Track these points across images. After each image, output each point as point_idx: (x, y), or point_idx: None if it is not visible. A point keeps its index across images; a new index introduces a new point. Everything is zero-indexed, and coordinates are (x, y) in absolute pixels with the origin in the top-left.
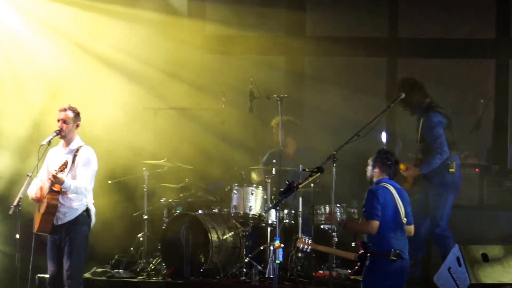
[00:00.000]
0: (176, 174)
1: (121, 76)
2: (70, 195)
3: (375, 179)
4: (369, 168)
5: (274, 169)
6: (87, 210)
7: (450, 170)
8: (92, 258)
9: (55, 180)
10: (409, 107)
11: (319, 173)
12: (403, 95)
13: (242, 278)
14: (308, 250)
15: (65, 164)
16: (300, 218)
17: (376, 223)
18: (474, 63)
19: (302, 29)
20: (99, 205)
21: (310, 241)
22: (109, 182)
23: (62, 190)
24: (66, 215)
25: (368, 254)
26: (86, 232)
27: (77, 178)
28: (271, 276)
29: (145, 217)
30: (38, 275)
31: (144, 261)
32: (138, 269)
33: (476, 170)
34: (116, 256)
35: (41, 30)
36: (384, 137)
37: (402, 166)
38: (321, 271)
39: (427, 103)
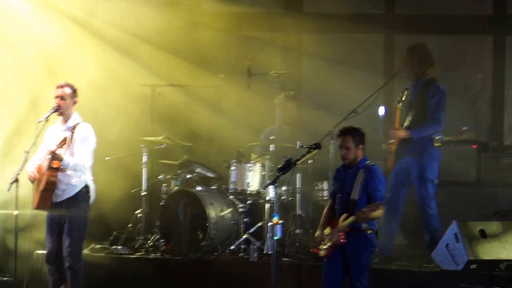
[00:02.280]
0: (174, 151)
1: (119, 53)
2: (68, 172)
3: (359, 158)
4: (351, 148)
5: (272, 146)
6: (86, 187)
7: (436, 144)
8: (91, 234)
9: (54, 157)
10: (416, 71)
11: (317, 150)
12: (399, 73)
13: (240, 255)
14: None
15: (64, 140)
16: (298, 195)
17: None
18: (471, 39)
19: (299, 5)
20: (97, 182)
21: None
22: (107, 159)
23: (61, 167)
24: (65, 192)
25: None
26: (85, 209)
27: (76, 155)
28: (269, 253)
29: (144, 193)
30: (37, 251)
31: (143, 237)
32: (136, 246)
33: (474, 146)
34: (115, 233)
35: (39, 7)
36: (382, 111)
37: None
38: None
39: (432, 73)
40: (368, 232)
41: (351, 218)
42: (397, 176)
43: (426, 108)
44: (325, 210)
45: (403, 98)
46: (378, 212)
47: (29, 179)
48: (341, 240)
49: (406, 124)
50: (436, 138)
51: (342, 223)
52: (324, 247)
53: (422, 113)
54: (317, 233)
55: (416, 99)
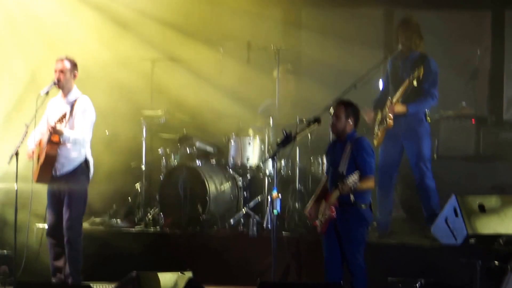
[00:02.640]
0: (174, 125)
1: (118, 26)
2: (68, 146)
3: (348, 131)
4: (341, 118)
5: (271, 119)
6: (86, 161)
7: (428, 119)
8: (90, 208)
9: (54, 132)
10: (408, 45)
11: (316, 124)
12: (400, 47)
13: (239, 228)
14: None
15: (64, 115)
16: (297, 169)
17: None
18: (470, 14)
19: None
20: (97, 155)
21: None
22: (106, 132)
23: (61, 141)
24: (65, 166)
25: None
26: (85, 182)
27: (75, 129)
28: (269, 227)
29: (143, 167)
30: (37, 224)
31: (142, 211)
32: (136, 220)
33: (472, 121)
34: (114, 206)
35: None
36: (381, 84)
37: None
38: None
39: (422, 48)
40: (362, 206)
41: (337, 191)
42: (388, 151)
43: (419, 83)
44: (320, 185)
45: (420, 77)
46: (367, 184)
47: (28, 156)
48: (332, 214)
49: (399, 99)
50: (427, 112)
51: (331, 197)
52: (319, 222)
53: (415, 88)
54: (308, 206)
55: (408, 74)
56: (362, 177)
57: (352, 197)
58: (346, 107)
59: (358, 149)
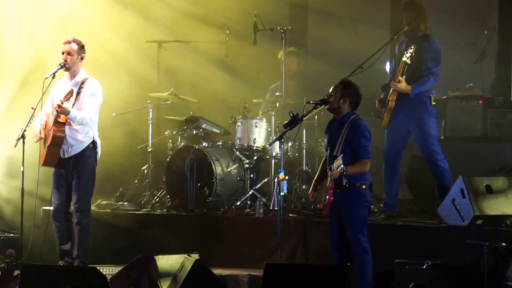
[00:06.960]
0: (181, 106)
1: (124, 8)
2: (76, 127)
3: (345, 112)
4: (336, 96)
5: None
6: (93, 143)
7: (433, 103)
8: (97, 190)
9: (61, 110)
10: (412, 26)
11: (323, 105)
12: (406, 28)
13: (246, 211)
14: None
15: (70, 93)
16: (304, 150)
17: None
18: None
19: None
20: (104, 137)
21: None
22: (114, 115)
23: (68, 120)
24: (73, 148)
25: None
26: (93, 164)
27: (83, 110)
28: (276, 208)
29: (150, 149)
30: (43, 207)
31: (149, 193)
32: (142, 202)
33: (480, 102)
34: (121, 189)
35: None
36: (388, 68)
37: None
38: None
39: (425, 28)
40: (363, 187)
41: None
42: (394, 133)
43: (421, 63)
44: (320, 165)
45: (413, 54)
46: (360, 168)
47: (35, 138)
48: (330, 198)
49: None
50: (432, 96)
51: (327, 181)
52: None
53: (417, 68)
54: (310, 191)
55: (414, 54)
56: (356, 160)
57: (344, 180)
58: (344, 86)
59: (355, 132)
